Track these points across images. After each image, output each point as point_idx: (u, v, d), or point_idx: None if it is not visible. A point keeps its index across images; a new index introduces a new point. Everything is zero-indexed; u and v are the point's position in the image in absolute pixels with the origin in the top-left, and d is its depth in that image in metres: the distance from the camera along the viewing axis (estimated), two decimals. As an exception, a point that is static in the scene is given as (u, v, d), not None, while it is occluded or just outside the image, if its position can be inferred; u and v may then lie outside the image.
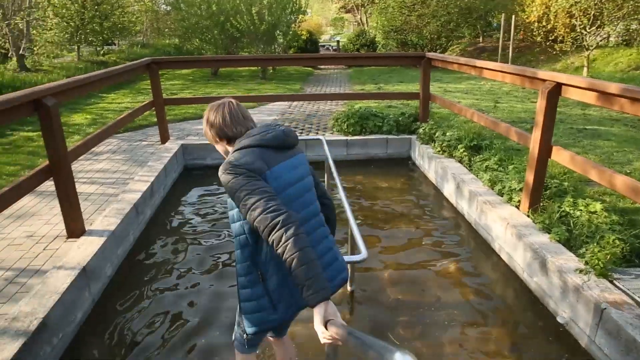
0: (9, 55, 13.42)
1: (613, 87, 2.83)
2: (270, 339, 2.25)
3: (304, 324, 2.66)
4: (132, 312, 3.07)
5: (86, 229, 3.52)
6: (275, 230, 1.50)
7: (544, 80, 3.56)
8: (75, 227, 3.41)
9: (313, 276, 1.46)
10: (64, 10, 13.95)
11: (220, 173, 1.67)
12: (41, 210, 4.04)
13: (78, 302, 2.86)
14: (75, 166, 5.14)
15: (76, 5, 14.28)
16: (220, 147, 1.87)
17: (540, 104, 3.54)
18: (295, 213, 1.59)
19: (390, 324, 2.98)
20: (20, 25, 12.61)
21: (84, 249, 3.20)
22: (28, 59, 12.88)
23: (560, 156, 3.49)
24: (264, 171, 1.63)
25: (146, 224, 4.33)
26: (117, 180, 4.79)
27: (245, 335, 1.90)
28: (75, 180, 3.47)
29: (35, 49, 12.61)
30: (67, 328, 2.70)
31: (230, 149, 1.82)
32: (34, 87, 3.24)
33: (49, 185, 4.32)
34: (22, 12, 12.74)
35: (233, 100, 1.90)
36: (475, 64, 4.88)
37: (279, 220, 1.50)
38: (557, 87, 3.41)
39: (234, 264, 2.67)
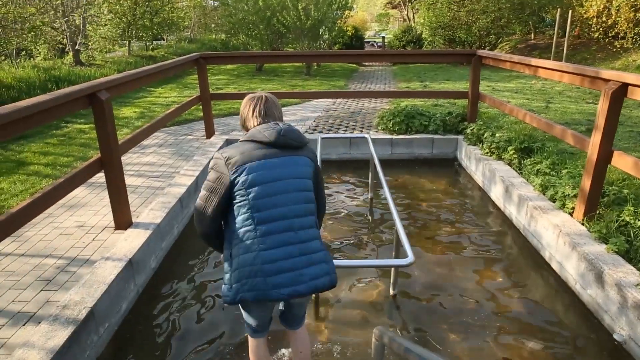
0: (66, 50, 14.06)
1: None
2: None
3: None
4: (174, 304, 3.12)
5: (133, 221, 3.61)
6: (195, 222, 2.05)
7: (608, 81, 3.33)
8: (122, 220, 3.50)
9: None
10: (117, 7, 14.47)
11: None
12: (91, 201, 4.19)
13: (124, 293, 2.93)
14: (124, 159, 5.30)
15: (129, 1, 14.78)
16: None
17: (602, 106, 3.32)
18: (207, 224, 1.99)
19: (432, 330, 2.88)
20: (77, 21, 13.18)
21: (131, 241, 3.27)
22: (83, 54, 13.45)
23: (622, 162, 3.27)
24: (239, 164, 1.87)
25: (190, 218, 4.40)
26: (163, 174, 4.90)
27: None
28: (124, 173, 3.56)
29: (89, 44, 13.14)
30: (113, 318, 2.78)
31: None
32: (89, 81, 3.34)
33: (99, 176, 4.48)
34: (79, 9, 13.30)
35: (267, 96, 2.06)
36: (530, 62, 4.65)
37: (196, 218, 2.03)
38: (623, 88, 3.19)
39: None
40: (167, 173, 4.91)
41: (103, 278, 2.78)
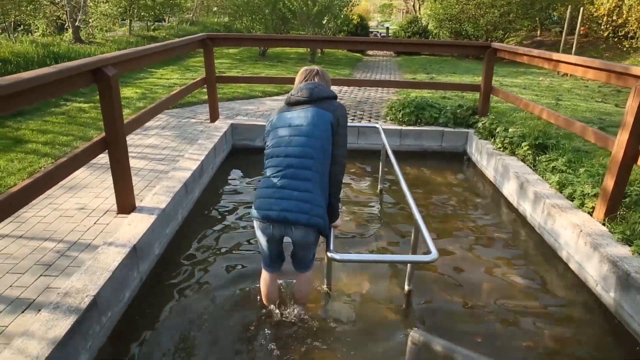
0: (65, 26, 13.74)
1: None
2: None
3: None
4: (178, 293, 2.98)
5: (137, 205, 3.45)
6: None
7: (638, 77, 3.19)
8: (126, 203, 3.34)
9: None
10: (119, -16, 14.15)
11: None
12: (92, 182, 4.02)
13: (127, 280, 2.79)
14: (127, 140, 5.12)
15: (131, -21, 14.46)
16: None
17: (631, 103, 3.18)
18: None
19: (448, 329, 2.76)
20: (77, -4, 12.87)
21: (135, 226, 3.12)
22: (83, 31, 13.14)
23: (651, 162, 3.14)
24: (273, 117, 2.53)
25: (194, 204, 4.25)
26: (166, 157, 4.73)
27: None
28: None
29: (90, 21, 12.83)
30: (116, 307, 2.63)
31: None
32: (94, 56, 3.16)
33: (100, 157, 4.31)
34: (80, -16, 12.98)
35: (318, 69, 2.64)
36: (551, 56, 4.49)
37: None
38: (654, 85, 3.05)
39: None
40: (171, 156, 4.74)
41: (106, 265, 2.63)
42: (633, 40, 12.56)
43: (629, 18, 12.41)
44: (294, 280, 2.80)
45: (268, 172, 2.42)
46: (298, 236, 2.37)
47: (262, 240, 2.46)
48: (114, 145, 3.19)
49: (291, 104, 2.49)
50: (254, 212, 2.36)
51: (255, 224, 2.42)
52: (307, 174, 2.32)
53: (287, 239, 2.46)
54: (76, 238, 3.04)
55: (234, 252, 3.52)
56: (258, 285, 2.83)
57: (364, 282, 3.17)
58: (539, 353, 2.61)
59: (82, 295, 2.33)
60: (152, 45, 4.26)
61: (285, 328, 2.67)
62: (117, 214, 3.38)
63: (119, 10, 14.71)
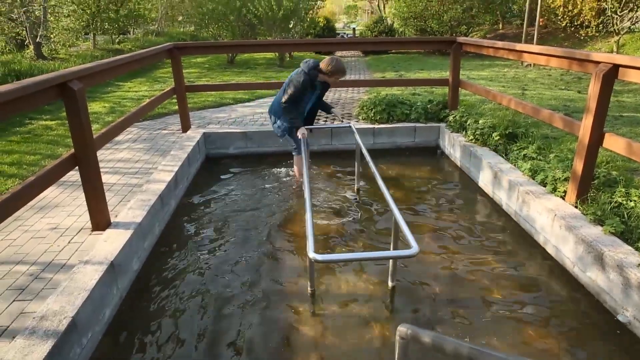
0: (25, 43, 13.36)
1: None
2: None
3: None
4: (159, 307, 2.92)
5: (112, 221, 3.37)
6: None
7: (598, 63, 3.29)
8: (100, 219, 3.26)
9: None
10: (80, -3, 13.84)
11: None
12: (64, 201, 3.91)
13: (106, 299, 2.72)
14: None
15: (92, -8, 14.17)
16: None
17: (593, 88, 3.28)
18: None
19: (432, 320, 2.79)
20: (37, 12, 12.52)
21: (111, 242, 3.05)
22: (45, 47, 12.80)
23: (615, 143, 3.24)
24: None
25: (171, 216, 4.18)
26: (140, 170, 4.64)
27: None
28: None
29: (52, 36, 12.51)
30: (97, 327, 2.56)
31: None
32: (59, 70, 3.08)
33: (70, 175, 4.20)
34: (38, -1, 12.65)
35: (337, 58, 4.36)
36: (514, 47, 4.59)
37: None
38: (614, 70, 3.15)
39: (261, 250, 3.63)
40: (144, 169, 4.66)
41: (83, 284, 2.56)
42: (588, 29, 13.00)
43: (583, 8, 12.84)
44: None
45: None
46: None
47: (296, 139, 4.55)
48: (85, 161, 3.11)
49: None
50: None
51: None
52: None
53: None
54: (50, 259, 2.94)
55: (214, 261, 3.47)
56: (239, 290, 2.79)
57: (347, 281, 3.18)
58: (524, 337, 2.66)
59: (60, 318, 2.26)
60: (118, 57, 4.18)
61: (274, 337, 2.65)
62: (92, 231, 3.30)
63: (82, 24, 14.39)
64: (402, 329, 1.39)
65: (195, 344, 2.60)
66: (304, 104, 4.54)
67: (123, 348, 2.59)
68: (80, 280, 2.59)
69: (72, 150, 3.08)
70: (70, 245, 3.12)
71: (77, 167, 3.11)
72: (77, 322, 2.31)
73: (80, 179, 3.17)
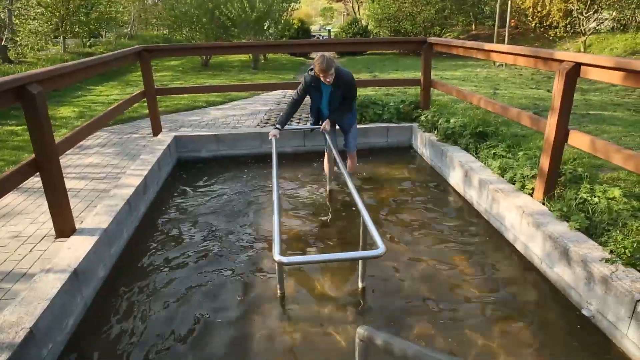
0: (-10, 47, 12.96)
1: (642, 65, 2.64)
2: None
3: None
4: (126, 316, 2.85)
5: (76, 227, 3.28)
6: None
7: (561, 61, 3.35)
8: (64, 226, 3.17)
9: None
10: (48, 0, 13.49)
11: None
12: (27, 208, 3.79)
13: (69, 307, 2.63)
14: (63, 160, 4.88)
15: (61, -6, 13.85)
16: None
17: (557, 86, 3.34)
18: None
19: (403, 321, 2.79)
20: (1, 15, 12.16)
21: (75, 249, 2.96)
22: (11, 51, 12.45)
23: (579, 140, 3.30)
24: None
25: (140, 221, 4.10)
26: (107, 175, 4.54)
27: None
28: (64, 175, 3.21)
29: (18, 39, 12.17)
30: (58, 337, 2.48)
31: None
32: (17, 74, 2.98)
33: (35, 181, 4.08)
34: (3, 1, 12.28)
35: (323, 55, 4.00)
36: (483, 47, 4.66)
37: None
38: (576, 68, 3.22)
39: (232, 253, 3.58)
40: (113, 174, 4.56)
41: (44, 293, 2.47)
42: (557, 30, 13.32)
43: (552, 9, 13.16)
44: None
45: None
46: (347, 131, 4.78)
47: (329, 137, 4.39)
48: (47, 167, 3.02)
49: None
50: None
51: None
52: None
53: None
54: (10, 268, 2.84)
55: (183, 266, 3.41)
56: (208, 295, 2.74)
57: (317, 283, 3.16)
58: (492, 335, 2.68)
59: (17, 329, 2.18)
60: (83, 60, 4.08)
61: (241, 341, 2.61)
62: (56, 238, 3.20)
63: (50, 27, 14.04)
64: (361, 331, 1.38)
65: (162, 350, 2.54)
66: (315, 104, 4.50)
67: (87, 358, 2.51)
68: (41, 290, 2.50)
69: (33, 155, 2.98)
70: (32, 254, 3.02)
71: (38, 173, 3.01)
72: (36, 333, 2.23)
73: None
